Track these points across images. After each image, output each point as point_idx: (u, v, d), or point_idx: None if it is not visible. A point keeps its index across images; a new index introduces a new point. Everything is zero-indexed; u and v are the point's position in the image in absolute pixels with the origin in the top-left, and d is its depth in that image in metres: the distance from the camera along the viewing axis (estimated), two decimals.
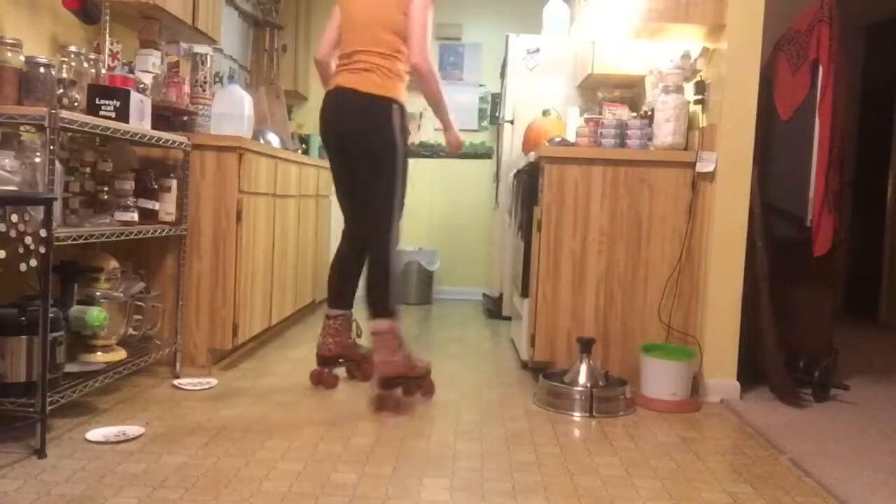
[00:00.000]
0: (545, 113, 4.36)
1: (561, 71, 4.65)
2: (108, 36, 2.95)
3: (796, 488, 2.04)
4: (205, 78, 3.21)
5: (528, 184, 3.32)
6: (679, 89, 3.10)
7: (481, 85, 5.68)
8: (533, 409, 2.73)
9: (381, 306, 2.67)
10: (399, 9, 2.69)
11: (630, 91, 4.03)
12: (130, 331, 2.69)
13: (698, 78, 3.15)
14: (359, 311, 2.90)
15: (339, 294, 2.97)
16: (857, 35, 5.25)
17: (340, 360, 3.00)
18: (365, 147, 2.70)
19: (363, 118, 2.70)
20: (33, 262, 1.97)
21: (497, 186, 4.99)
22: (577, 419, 2.64)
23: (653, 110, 3.18)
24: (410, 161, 2.89)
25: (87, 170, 2.54)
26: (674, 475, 2.10)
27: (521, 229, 3.56)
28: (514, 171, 4.06)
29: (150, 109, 2.68)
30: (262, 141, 3.89)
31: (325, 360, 2.95)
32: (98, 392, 2.58)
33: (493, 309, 4.84)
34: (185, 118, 3.14)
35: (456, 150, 3.02)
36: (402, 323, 2.77)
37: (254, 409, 2.58)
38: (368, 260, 2.76)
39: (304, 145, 5.14)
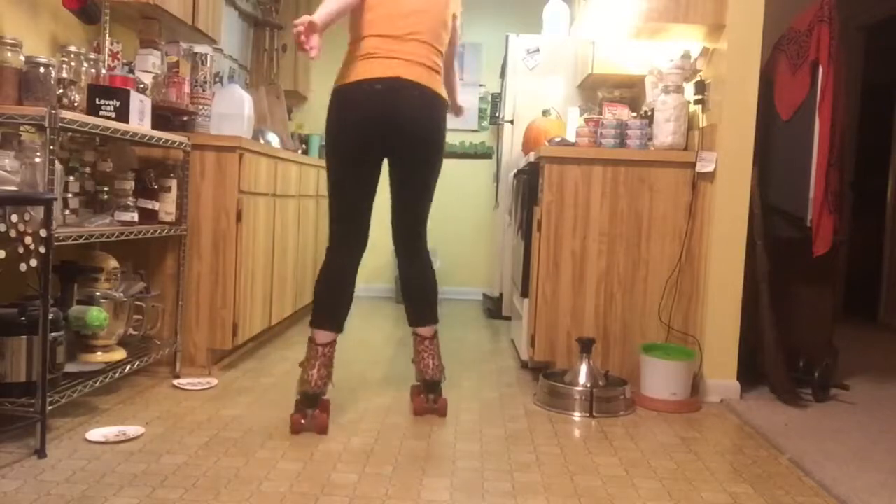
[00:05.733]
0: (545, 113, 4.36)
1: (561, 71, 4.65)
2: (108, 36, 2.95)
3: (796, 488, 2.04)
4: (205, 78, 3.21)
5: (528, 184, 3.32)
6: (679, 89, 3.10)
7: (481, 85, 5.68)
8: (533, 409, 2.73)
9: (431, 311, 2.58)
10: (448, 10, 2.51)
11: (630, 91, 4.03)
12: (130, 331, 2.69)
13: (698, 78, 3.15)
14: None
15: (336, 314, 2.41)
16: (857, 35, 5.26)
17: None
18: (423, 149, 2.43)
19: (428, 119, 2.41)
20: (33, 262, 1.97)
21: (497, 186, 4.99)
22: (577, 419, 2.64)
23: (653, 110, 3.18)
24: None
25: (87, 170, 2.54)
26: (674, 475, 2.10)
27: (521, 229, 3.57)
28: (514, 171, 4.06)
29: (150, 109, 2.68)
30: (262, 141, 3.89)
31: (313, 399, 2.34)
32: (98, 392, 2.59)
33: (493, 309, 4.84)
34: (185, 118, 3.14)
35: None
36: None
37: (254, 409, 2.58)
38: (413, 263, 2.57)
39: (304, 145, 5.14)
